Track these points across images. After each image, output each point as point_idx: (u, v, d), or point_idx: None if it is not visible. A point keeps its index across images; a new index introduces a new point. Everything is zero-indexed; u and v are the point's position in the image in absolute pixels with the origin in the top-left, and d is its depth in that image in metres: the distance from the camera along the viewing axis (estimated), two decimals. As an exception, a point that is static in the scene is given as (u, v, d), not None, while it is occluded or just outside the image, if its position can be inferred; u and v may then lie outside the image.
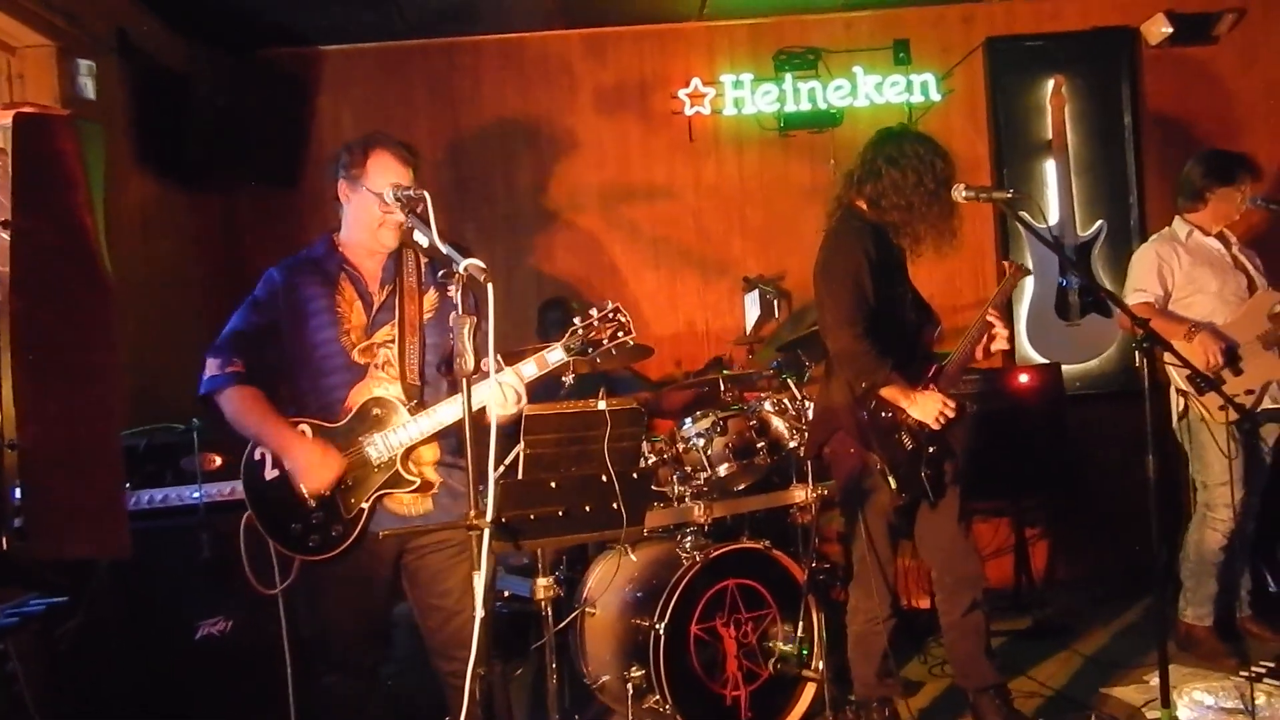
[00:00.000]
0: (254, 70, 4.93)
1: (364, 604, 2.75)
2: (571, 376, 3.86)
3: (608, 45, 5.37)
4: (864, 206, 3.37)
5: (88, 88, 3.81)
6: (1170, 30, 5.21)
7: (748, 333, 5.15)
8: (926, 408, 3.22)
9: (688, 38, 5.37)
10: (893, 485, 3.21)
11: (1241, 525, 3.95)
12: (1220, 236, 4.14)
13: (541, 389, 2.79)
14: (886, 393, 3.23)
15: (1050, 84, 5.35)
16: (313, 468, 2.59)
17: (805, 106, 5.22)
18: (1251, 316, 3.94)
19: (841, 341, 3.24)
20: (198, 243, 4.98)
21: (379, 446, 2.65)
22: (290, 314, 2.74)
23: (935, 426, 3.23)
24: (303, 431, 2.66)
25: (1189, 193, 4.14)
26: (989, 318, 3.34)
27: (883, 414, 3.24)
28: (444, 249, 2.35)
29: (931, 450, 3.27)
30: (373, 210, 2.71)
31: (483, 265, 2.28)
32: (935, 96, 5.28)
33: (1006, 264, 3.57)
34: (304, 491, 2.62)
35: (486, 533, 2.20)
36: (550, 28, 5.28)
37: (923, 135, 3.39)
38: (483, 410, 2.42)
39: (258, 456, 2.70)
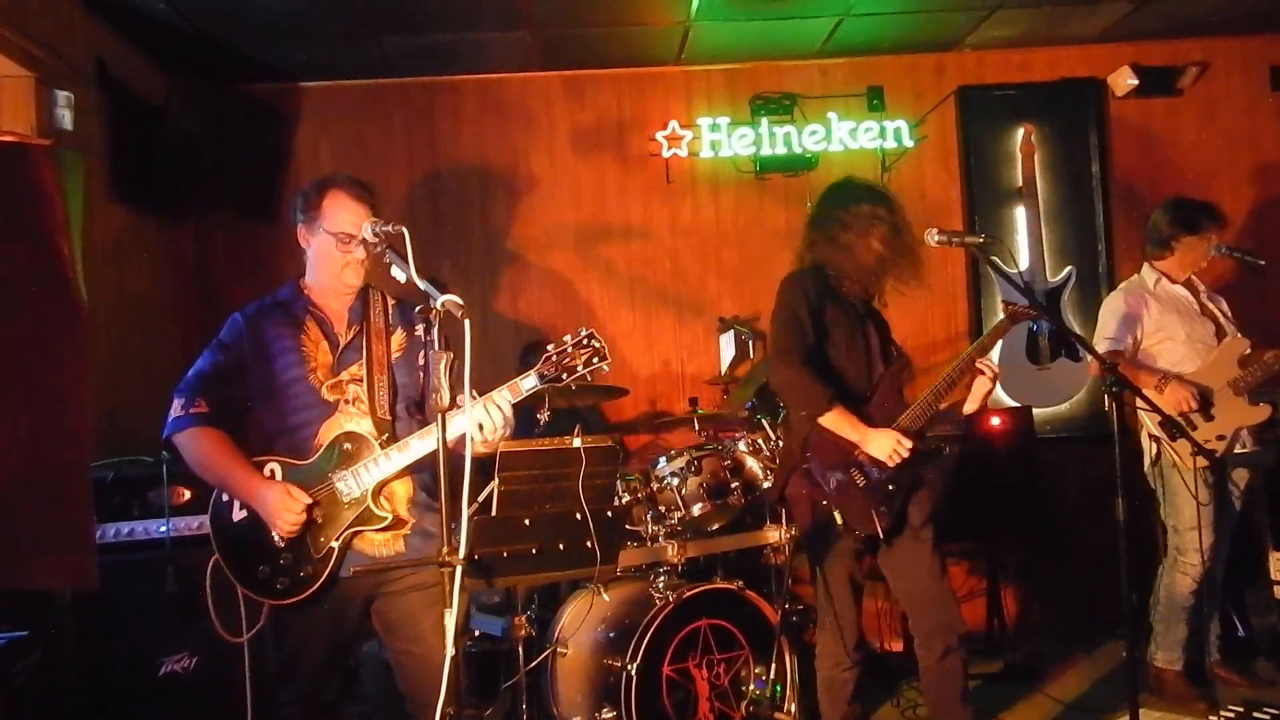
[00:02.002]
0: (232, 103, 4.92)
1: (330, 641, 2.70)
2: (547, 414, 3.86)
3: (586, 87, 5.43)
4: (809, 253, 3.43)
5: (65, 119, 3.79)
6: (1136, 82, 5.34)
7: (723, 373, 5.17)
8: (880, 445, 3.15)
9: (665, 81, 5.44)
10: (838, 520, 3.15)
11: (1211, 570, 3.99)
12: (1188, 284, 4.20)
13: (519, 423, 2.77)
14: (830, 423, 3.16)
15: (1020, 132, 5.46)
16: (280, 510, 2.54)
17: (780, 150, 5.30)
18: (1221, 363, 4.00)
19: (778, 373, 3.24)
20: (171, 274, 4.95)
21: (349, 482, 2.61)
22: (255, 355, 2.71)
23: (889, 464, 3.16)
24: (271, 471, 2.62)
25: (1156, 241, 4.21)
26: (980, 364, 3.22)
27: (829, 446, 3.19)
28: (421, 284, 2.33)
29: (891, 488, 3.19)
30: (333, 252, 2.70)
31: (460, 301, 2.26)
32: (908, 142, 5.37)
33: (1007, 304, 3.43)
34: (274, 533, 2.57)
35: (459, 569, 2.17)
36: (529, 69, 5.33)
37: (872, 192, 3.38)
38: (460, 440, 2.37)
39: (225, 497, 2.66)
